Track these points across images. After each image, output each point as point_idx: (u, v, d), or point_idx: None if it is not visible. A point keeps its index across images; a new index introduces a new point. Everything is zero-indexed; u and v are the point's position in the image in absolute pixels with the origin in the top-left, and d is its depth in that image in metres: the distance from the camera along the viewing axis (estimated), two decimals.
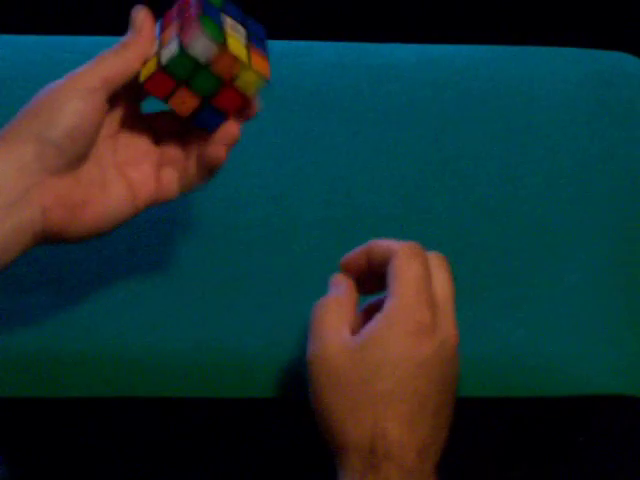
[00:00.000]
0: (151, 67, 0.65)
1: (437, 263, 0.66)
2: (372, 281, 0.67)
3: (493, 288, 0.77)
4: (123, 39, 0.66)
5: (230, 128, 0.67)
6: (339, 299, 0.66)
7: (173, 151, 0.68)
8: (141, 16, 0.66)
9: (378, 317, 0.64)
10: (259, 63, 0.65)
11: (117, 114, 0.67)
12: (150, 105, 0.68)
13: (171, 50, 0.64)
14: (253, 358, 0.73)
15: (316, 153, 0.83)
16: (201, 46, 0.63)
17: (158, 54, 0.65)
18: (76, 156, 0.64)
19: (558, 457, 0.76)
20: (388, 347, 0.63)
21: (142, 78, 0.65)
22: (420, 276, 0.64)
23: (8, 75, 0.86)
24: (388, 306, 0.64)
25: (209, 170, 0.67)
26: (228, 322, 0.74)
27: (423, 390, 0.63)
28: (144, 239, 0.78)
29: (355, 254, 0.68)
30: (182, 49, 0.63)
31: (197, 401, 0.73)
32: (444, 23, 1.31)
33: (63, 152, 0.63)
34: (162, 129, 0.69)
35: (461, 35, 0.93)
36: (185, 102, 0.65)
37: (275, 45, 0.91)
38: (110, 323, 0.73)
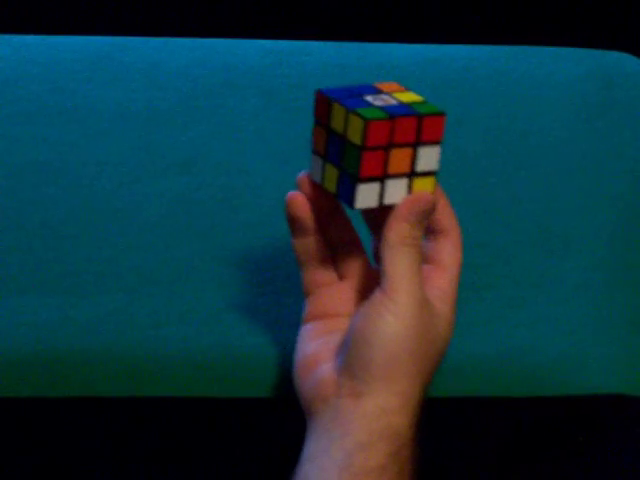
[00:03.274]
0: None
1: None
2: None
3: (493, 288, 0.77)
4: None
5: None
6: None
7: None
8: None
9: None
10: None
11: None
12: None
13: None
14: (253, 358, 0.73)
15: None
16: None
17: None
18: None
19: (558, 457, 0.76)
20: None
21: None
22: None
23: (8, 75, 0.86)
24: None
25: None
26: (228, 322, 0.74)
27: None
28: (144, 239, 0.78)
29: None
30: None
31: (197, 401, 0.73)
32: (444, 23, 1.31)
33: None
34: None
35: (461, 35, 0.93)
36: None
37: (275, 45, 0.91)
38: (110, 323, 0.73)
